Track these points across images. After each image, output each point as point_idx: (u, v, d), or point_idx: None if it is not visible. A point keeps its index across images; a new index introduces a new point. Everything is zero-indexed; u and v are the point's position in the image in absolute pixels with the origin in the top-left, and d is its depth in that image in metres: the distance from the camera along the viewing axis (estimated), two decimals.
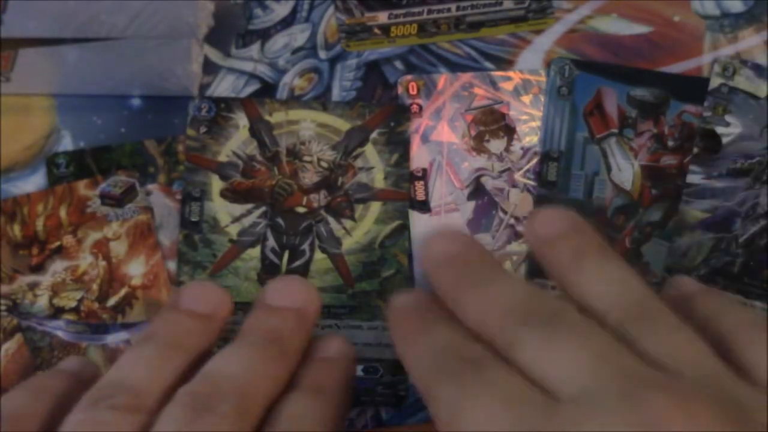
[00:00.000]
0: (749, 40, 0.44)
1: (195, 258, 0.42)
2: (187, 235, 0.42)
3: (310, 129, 0.43)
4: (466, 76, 0.44)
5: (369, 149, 0.43)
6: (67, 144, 0.43)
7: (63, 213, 0.42)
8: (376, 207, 0.43)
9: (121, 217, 0.42)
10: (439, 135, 0.44)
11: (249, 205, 0.43)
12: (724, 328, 0.34)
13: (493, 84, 0.44)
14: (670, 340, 0.32)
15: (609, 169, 0.43)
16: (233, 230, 0.43)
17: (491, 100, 0.44)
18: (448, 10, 0.45)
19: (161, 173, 0.43)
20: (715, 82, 0.43)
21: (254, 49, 0.45)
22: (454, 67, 0.44)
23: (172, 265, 0.43)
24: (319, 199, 0.43)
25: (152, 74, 0.44)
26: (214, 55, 0.44)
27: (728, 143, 0.43)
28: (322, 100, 0.44)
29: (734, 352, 0.33)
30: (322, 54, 0.45)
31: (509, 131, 0.44)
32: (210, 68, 0.44)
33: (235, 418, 0.32)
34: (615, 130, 0.43)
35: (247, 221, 0.43)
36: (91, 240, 0.42)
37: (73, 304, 0.42)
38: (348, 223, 0.43)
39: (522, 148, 0.44)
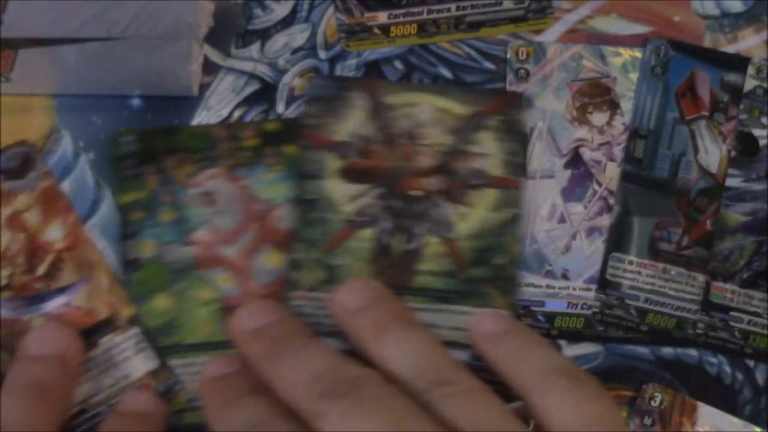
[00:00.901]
0: (749, 40, 0.44)
1: (309, 236, 0.42)
2: (303, 213, 0.42)
3: (428, 112, 0.43)
4: (576, 48, 0.44)
5: (485, 136, 0.43)
6: (66, 144, 0.43)
7: None
8: (490, 194, 0.43)
9: (26, 187, 0.42)
10: (543, 102, 0.44)
11: (364, 186, 0.43)
12: (523, 373, 0.35)
13: (602, 58, 0.44)
14: (469, 405, 0.33)
15: (696, 150, 0.43)
16: (348, 210, 0.42)
17: (598, 74, 0.44)
18: (448, 10, 0.45)
19: (225, 158, 0.43)
20: (749, 84, 0.43)
21: (254, 49, 0.45)
22: (454, 67, 0.45)
23: (230, 251, 0.42)
24: (434, 183, 0.43)
25: (152, 74, 0.44)
26: (214, 55, 0.44)
27: (765, 145, 0.43)
28: (440, 85, 0.44)
29: (533, 400, 0.34)
30: (322, 54, 0.45)
31: (613, 106, 0.44)
32: (210, 68, 0.44)
33: None
34: (705, 113, 0.43)
35: (362, 202, 0.42)
36: (4, 216, 0.42)
37: (5, 281, 0.41)
38: (462, 208, 0.42)
39: (624, 124, 0.44)
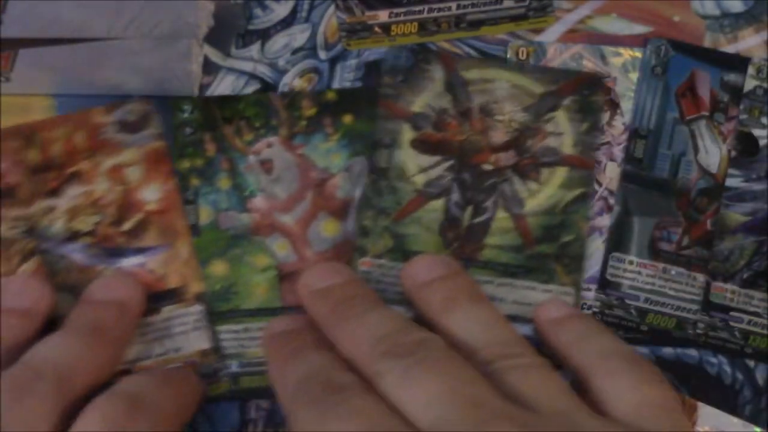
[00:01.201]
0: (749, 40, 0.44)
1: (380, 204, 0.42)
2: (374, 180, 0.43)
3: (505, 89, 0.43)
4: (577, 47, 0.44)
5: (561, 115, 0.43)
6: None
7: (80, 139, 0.43)
8: (562, 172, 0.43)
9: (136, 143, 0.43)
10: None
11: (437, 157, 0.43)
12: (585, 356, 0.36)
13: (603, 58, 0.44)
14: (529, 378, 0.34)
15: (696, 150, 0.43)
16: (419, 180, 0.43)
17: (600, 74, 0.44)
18: (449, 8, 0.45)
19: (283, 127, 0.43)
20: (749, 84, 0.43)
21: (254, 50, 0.45)
22: None
23: (286, 218, 0.43)
24: (507, 158, 0.43)
25: (152, 74, 0.44)
26: (214, 55, 0.44)
27: (766, 145, 0.43)
28: (518, 62, 0.44)
29: (591, 382, 0.35)
30: (322, 54, 0.45)
31: (613, 105, 0.44)
32: (210, 68, 0.44)
33: (54, 397, 0.33)
34: (706, 113, 0.43)
35: (433, 173, 0.43)
36: (107, 165, 0.42)
37: (90, 227, 0.42)
38: (533, 185, 0.43)
39: (624, 124, 0.44)
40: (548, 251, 0.42)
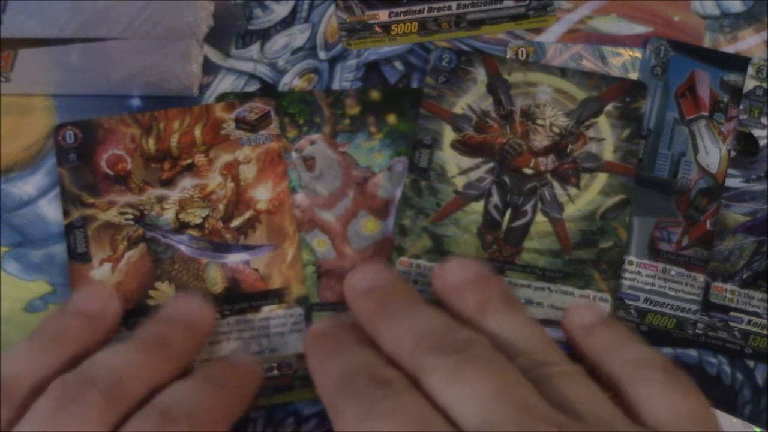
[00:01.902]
0: (749, 40, 0.44)
1: (419, 204, 0.42)
2: (414, 180, 0.43)
3: (547, 93, 0.44)
4: (576, 47, 0.44)
5: (602, 121, 0.43)
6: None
7: (198, 132, 0.43)
8: (602, 178, 0.43)
9: (253, 142, 0.43)
10: None
11: (478, 160, 0.43)
12: (619, 365, 0.36)
13: (603, 58, 0.44)
14: (569, 385, 0.33)
15: (696, 151, 0.43)
16: (459, 182, 0.43)
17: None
18: (449, 8, 0.45)
19: (327, 124, 0.43)
20: (749, 84, 0.43)
21: (254, 50, 0.45)
22: None
23: (327, 216, 0.43)
24: (547, 163, 0.43)
25: (152, 74, 0.44)
26: (214, 55, 0.45)
27: (766, 145, 0.43)
28: (561, 67, 0.44)
29: (625, 390, 0.35)
30: (322, 54, 0.45)
31: None
32: (210, 68, 0.44)
33: (104, 405, 0.33)
34: (705, 114, 0.43)
35: (473, 175, 0.43)
36: (222, 161, 0.43)
37: (199, 220, 0.42)
38: (572, 190, 0.43)
39: None
40: (586, 257, 0.42)
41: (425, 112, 0.43)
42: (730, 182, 0.43)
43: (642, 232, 0.43)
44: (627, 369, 0.35)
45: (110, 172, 0.43)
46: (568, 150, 0.43)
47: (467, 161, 0.43)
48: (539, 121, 0.43)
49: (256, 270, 0.42)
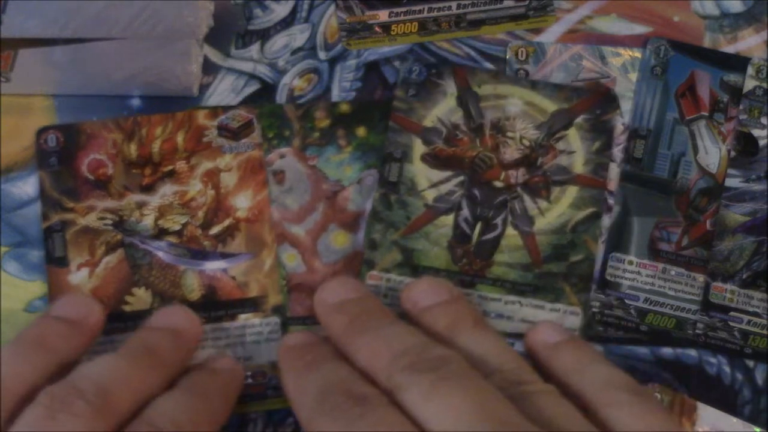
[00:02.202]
0: (749, 40, 0.44)
1: (389, 218, 0.42)
2: (384, 194, 0.43)
3: (517, 106, 0.43)
4: (576, 48, 0.44)
5: (572, 133, 0.43)
6: None
7: (180, 139, 0.43)
8: (572, 191, 0.43)
9: (235, 150, 0.43)
10: None
11: (448, 173, 0.43)
12: (587, 385, 0.36)
13: (602, 58, 0.44)
14: (545, 403, 0.34)
15: (696, 151, 0.43)
16: (429, 195, 0.43)
17: (598, 74, 0.44)
18: (449, 8, 0.45)
19: (296, 137, 0.43)
20: (749, 84, 0.43)
21: (254, 50, 0.45)
22: None
23: (296, 229, 0.43)
24: (517, 176, 0.43)
25: (152, 74, 0.44)
26: (214, 56, 0.45)
27: (765, 146, 0.43)
28: (532, 79, 0.44)
29: (595, 410, 0.35)
30: (322, 54, 0.45)
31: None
32: (210, 68, 0.44)
33: (91, 416, 0.33)
34: (705, 114, 0.43)
35: (444, 188, 0.43)
36: (203, 168, 0.43)
37: (177, 227, 0.43)
38: (543, 203, 0.43)
39: (623, 124, 0.44)
40: (557, 270, 0.42)
41: (395, 125, 0.43)
42: (730, 182, 0.43)
43: (642, 232, 0.43)
44: (596, 390, 0.35)
45: (91, 177, 0.43)
46: (539, 163, 0.43)
47: (437, 174, 0.43)
48: (509, 134, 0.43)
49: (234, 278, 0.42)
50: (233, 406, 0.39)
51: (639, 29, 0.44)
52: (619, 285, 0.42)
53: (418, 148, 0.43)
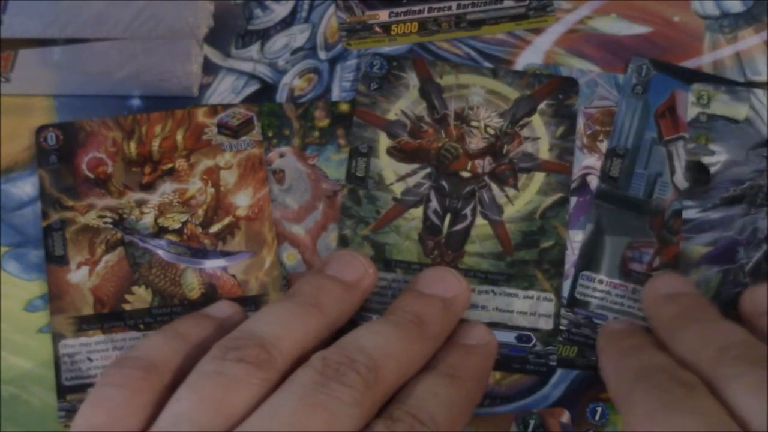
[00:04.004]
0: (749, 40, 0.44)
1: (359, 213, 0.42)
2: (352, 189, 0.43)
3: (480, 95, 0.43)
4: (592, 74, 0.44)
5: (536, 120, 0.43)
6: None
7: (179, 137, 0.43)
8: (539, 177, 0.43)
9: (235, 148, 0.43)
10: None
11: (414, 165, 0.43)
12: (705, 351, 0.35)
13: (618, 86, 0.44)
14: None
15: (673, 171, 0.43)
16: (398, 189, 0.43)
17: (612, 102, 0.44)
18: (449, 8, 0.45)
19: (296, 136, 0.44)
20: (692, 112, 0.43)
21: (254, 50, 0.45)
22: None
23: (296, 229, 0.43)
24: (484, 165, 0.43)
25: (152, 74, 0.44)
26: (214, 56, 0.45)
27: (717, 172, 0.43)
28: (493, 67, 0.44)
29: (709, 377, 0.34)
30: (322, 54, 0.45)
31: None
32: (210, 68, 0.44)
33: (362, 388, 0.33)
34: (684, 134, 0.43)
35: (411, 181, 0.43)
36: (203, 166, 0.43)
37: (177, 225, 0.43)
38: (511, 191, 0.43)
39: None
40: (528, 257, 0.42)
41: (359, 120, 0.43)
42: (688, 214, 0.42)
43: (614, 252, 0.42)
44: (713, 357, 0.35)
45: (90, 175, 0.43)
46: (504, 151, 0.43)
47: (404, 167, 0.43)
48: (474, 124, 0.43)
49: (234, 276, 0.42)
50: (487, 383, 0.39)
51: (639, 29, 0.44)
52: (587, 303, 0.42)
53: (384, 141, 0.43)
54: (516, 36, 0.45)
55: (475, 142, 0.43)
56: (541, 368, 0.42)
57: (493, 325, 0.41)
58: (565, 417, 0.41)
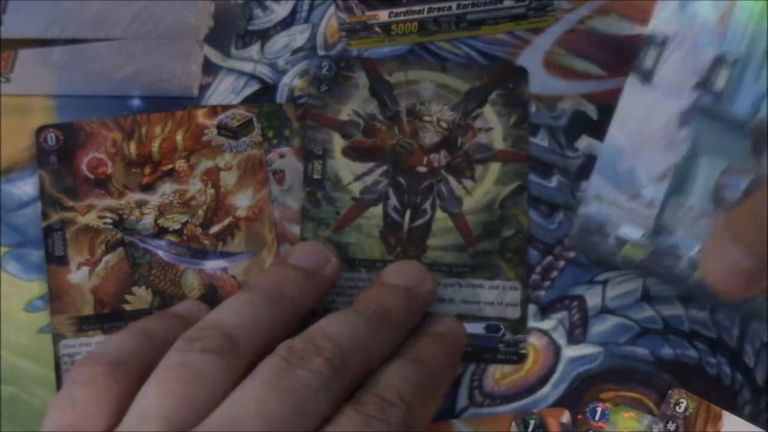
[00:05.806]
0: None
1: (318, 215, 0.43)
2: (310, 192, 0.43)
3: (430, 89, 0.44)
4: None
5: (488, 110, 0.44)
6: None
7: (179, 138, 0.43)
8: (495, 167, 0.43)
9: (235, 149, 0.43)
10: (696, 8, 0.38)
11: (370, 164, 0.43)
12: None
13: None
14: None
15: None
16: (356, 188, 0.43)
17: None
18: (449, 8, 0.45)
19: (296, 137, 0.44)
20: None
21: (254, 50, 0.45)
22: None
23: (296, 229, 0.43)
24: (440, 158, 0.43)
25: (152, 74, 0.44)
26: (214, 56, 0.45)
27: None
28: (441, 62, 0.44)
29: None
30: (322, 54, 0.45)
31: None
32: (210, 69, 0.44)
33: (329, 373, 0.33)
34: None
35: (369, 179, 0.43)
36: (203, 167, 0.43)
37: (177, 226, 0.43)
38: (468, 183, 0.43)
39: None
40: (491, 248, 0.42)
41: (312, 122, 0.43)
42: None
43: (707, 176, 0.38)
44: None
45: (90, 176, 0.43)
46: (459, 143, 0.43)
47: (360, 167, 0.43)
48: (426, 118, 0.43)
49: (234, 277, 0.42)
50: (458, 371, 0.39)
51: (639, 29, 0.44)
52: (673, 232, 0.39)
53: (338, 142, 0.43)
54: (516, 36, 0.45)
55: (429, 137, 0.43)
56: (511, 357, 0.42)
57: (461, 318, 0.41)
58: (565, 417, 0.41)
